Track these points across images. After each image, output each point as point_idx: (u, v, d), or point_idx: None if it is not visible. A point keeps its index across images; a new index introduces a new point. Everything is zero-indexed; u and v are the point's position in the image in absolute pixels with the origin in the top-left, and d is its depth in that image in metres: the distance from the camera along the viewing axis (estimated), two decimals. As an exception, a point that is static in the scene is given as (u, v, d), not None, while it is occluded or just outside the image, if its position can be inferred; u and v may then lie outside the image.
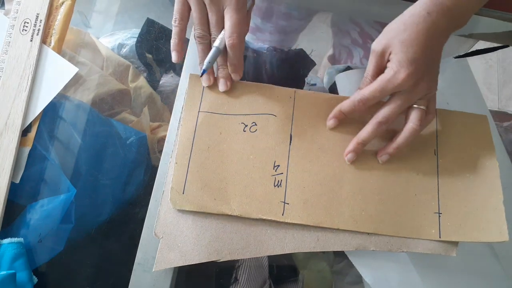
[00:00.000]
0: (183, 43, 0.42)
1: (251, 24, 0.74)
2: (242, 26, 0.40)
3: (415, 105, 0.40)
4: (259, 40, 0.78)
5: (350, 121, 0.43)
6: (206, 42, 0.42)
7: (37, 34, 0.46)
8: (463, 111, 0.45)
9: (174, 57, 0.42)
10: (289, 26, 0.74)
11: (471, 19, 0.39)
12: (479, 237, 0.39)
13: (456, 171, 0.42)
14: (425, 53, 0.37)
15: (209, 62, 0.41)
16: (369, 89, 0.39)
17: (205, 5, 0.40)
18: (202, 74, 0.42)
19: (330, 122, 0.42)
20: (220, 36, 0.41)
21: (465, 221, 0.40)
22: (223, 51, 0.41)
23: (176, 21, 0.41)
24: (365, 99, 0.39)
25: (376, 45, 0.39)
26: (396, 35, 0.38)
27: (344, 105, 0.41)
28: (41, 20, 0.46)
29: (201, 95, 0.43)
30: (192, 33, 0.47)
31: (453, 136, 0.44)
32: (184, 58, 0.46)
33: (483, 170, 0.42)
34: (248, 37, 0.78)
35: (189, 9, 0.41)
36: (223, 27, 0.40)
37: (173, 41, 0.42)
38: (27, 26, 0.45)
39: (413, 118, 0.40)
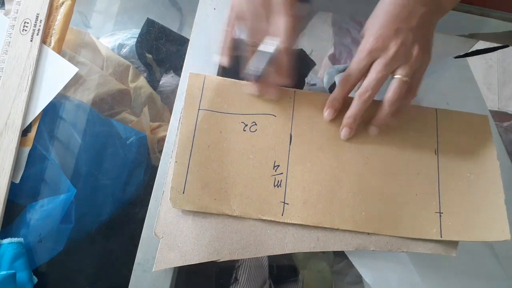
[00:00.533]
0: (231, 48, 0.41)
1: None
2: (295, 31, 0.39)
3: (396, 75, 0.39)
4: None
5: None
6: (255, 48, 0.40)
7: (37, 34, 0.46)
8: (463, 111, 0.45)
9: (224, 62, 0.41)
10: None
11: (472, 19, 0.40)
12: (481, 236, 0.39)
13: (456, 170, 0.42)
14: (393, 20, 0.38)
15: (264, 68, 0.39)
16: (348, 67, 0.40)
17: (256, 10, 0.39)
18: (258, 79, 0.41)
19: (326, 114, 0.42)
20: (274, 42, 0.39)
21: (466, 221, 0.40)
22: (274, 58, 0.40)
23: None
24: (346, 75, 0.40)
25: (360, 32, 0.41)
26: (369, 17, 0.40)
27: (334, 92, 0.42)
28: (41, 20, 0.46)
29: (200, 93, 0.43)
30: (193, 31, 0.47)
31: (454, 136, 0.44)
32: (185, 58, 0.46)
33: (484, 170, 0.42)
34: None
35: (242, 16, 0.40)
36: (274, 33, 0.39)
37: (224, 45, 0.41)
38: (27, 26, 0.45)
39: (391, 88, 0.39)
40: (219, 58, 0.41)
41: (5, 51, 0.45)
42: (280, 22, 0.38)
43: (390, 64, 0.38)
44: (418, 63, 0.39)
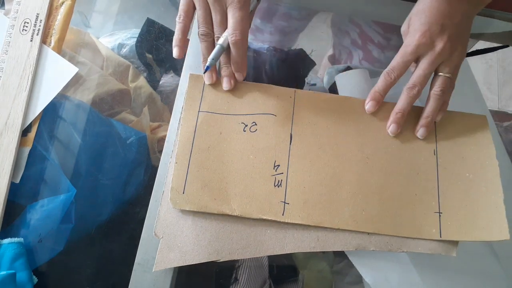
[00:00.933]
0: (186, 40, 0.42)
1: (251, 25, 0.74)
2: (245, 24, 0.40)
3: (440, 73, 0.41)
4: (259, 40, 0.78)
5: (349, 121, 0.44)
6: (210, 40, 0.42)
7: (37, 34, 0.46)
8: (463, 111, 0.45)
9: (175, 53, 0.42)
10: (288, 26, 0.74)
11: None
12: (480, 236, 0.39)
13: (456, 170, 0.42)
14: (439, 16, 0.39)
15: (213, 59, 0.41)
16: (393, 60, 0.41)
17: (208, 4, 0.40)
18: (205, 71, 0.42)
19: (368, 105, 0.43)
20: (224, 34, 0.41)
21: (465, 220, 0.40)
22: (226, 50, 0.41)
23: (181, 18, 0.41)
24: (390, 69, 0.41)
25: (402, 27, 0.42)
26: (413, 10, 0.41)
27: (377, 84, 0.42)
28: (41, 20, 0.46)
29: (201, 95, 0.43)
30: (191, 32, 0.47)
31: (453, 136, 0.44)
32: (184, 57, 0.46)
33: (483, 169, 0.42)
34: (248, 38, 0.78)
35: (194, 7, 0.42)
36: (226, 26, 0.41)
37: (176, 37, 0.42)
38: (27, 26, 0.45)
39: (436, 84, 0.41)
40: (173, 50, 0.42)
41: (5, 51, 0.45)
42: (231, 15, 0.39)
43: (436, 60, 0.40)
44: (460, 59, 0.41)
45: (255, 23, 0.73)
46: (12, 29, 0.46)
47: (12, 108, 0.43)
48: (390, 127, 0.42)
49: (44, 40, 0.46)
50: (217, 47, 0.41)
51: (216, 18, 0.41)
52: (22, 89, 0.44)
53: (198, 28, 0.42)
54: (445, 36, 0.39)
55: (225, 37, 0.41)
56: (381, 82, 0.42)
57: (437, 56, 0.39)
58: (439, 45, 0.39)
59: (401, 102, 0.42)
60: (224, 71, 0.43)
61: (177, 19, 0.42)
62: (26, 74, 0.44)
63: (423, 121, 0.42)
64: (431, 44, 0.39)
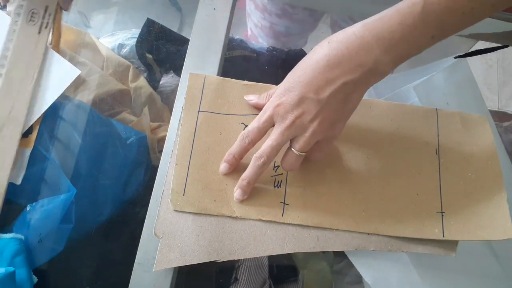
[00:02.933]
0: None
1: (263, 23, 0.74)
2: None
3: (292, 147, 0.37)
4: (266, 40, 0.78)
5: (349, 121, 0.43)
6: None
7: (46, 27, 0.43)
8: (463, 111, 0.45)
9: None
10: (296, 28, 0.74)
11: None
12: (484, 235, 0.39)
13: (458, 170, 0.42)
14: (308, 83, 0.34)
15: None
16: (253, 122, 0.38)
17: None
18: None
19: (221, 167, 0.40)
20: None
21: (468, 220, 0.40)
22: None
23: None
24: (246, 132, 0.38)
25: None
26: (294, 69, 0.36)
27: (232, 147, 0.39)
28: (50, 14, 0.44)
29: (201, 94, 0.43)
30: (192, 34, 0.47)
31: (454, 136, 0.44)
32: (184, 59, 0.46)
33: (485, 169, 0.42)
34: (260, 37, 0.79)
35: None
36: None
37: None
38: (34, 17, 0.43)
39: (284, 157, 0.37)
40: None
41: (10, 39, 0.43)
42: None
43: (284, 134, 0.35)
44: (319, 137, 0.36)
45: (260, 22, 0.73)
46: (19, 17, 0.43)
47: (15, 101, 0.41)
48: (235, 192, 0.39)
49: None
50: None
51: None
52: (28, 81, 0.42)
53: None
54: (299, 110, 0.34)
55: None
56: (236, 145, 0.39)
57: (287, 129, 0.35)
58: (292, 118, 0.35)
59: (248, 170, 0.38)
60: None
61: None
62: (33, 66, 0.43)
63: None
64: (283, 116, 0.35)
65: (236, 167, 0.40)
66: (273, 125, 0.37)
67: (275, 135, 0.36)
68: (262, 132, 0.37)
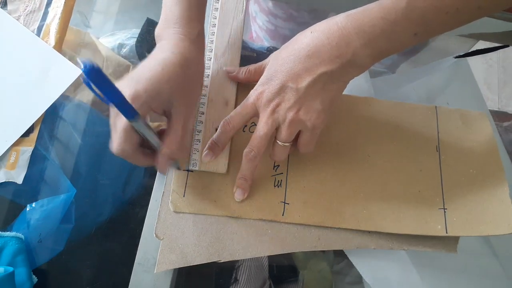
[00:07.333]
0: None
1: (268, 25, 0.74)
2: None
3: (276, 139, 0.37)
4: (269, 40, 0.78)
5: (349, 119, 0.43)
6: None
7: None
8: (463, 109, 0.45)
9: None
10: (301, 31, 0.74)
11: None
12: (487, 231, 0.39)
13: (459, 166, 0.42)
14: (288, 71, 0.34)
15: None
16: (234, 109, 0.38)
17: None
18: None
19: (204, 154, 0.39)
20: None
21: (471, 216, 0.40)
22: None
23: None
24: (229, 118, 0.37)
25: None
26: (277, 51, 0.37)
27: (214, 135, 0.38)
28: None
29: (201, 95, 0.43)
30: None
31: (454, 132, 0.44)
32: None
33: (486, 165, 0.42)
34: (265, 39, 0.79)
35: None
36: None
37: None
38: None
39: (272, 149, 0.37)
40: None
41: None
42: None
43: (268, 123, 0.35)
44: (298, 126, 0.35)
45: (265, 25, 0.73)
46: None
47: (232, 28, 0.45)
48: (235, 193, 0.39)
49: (44, 39, 0.46)
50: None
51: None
52: (239, 11, 0.46)
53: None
54: (280, 98, 0.34)
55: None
56: (217, 133, 0.38)
57: (271, 119, 0.35)
58: (274, 107, 0.35)
59: (241, 168, 0.38)
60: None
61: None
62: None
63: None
64: (265, 105, 0.35)
65: (236, 173, 0.40)
66: (256, 115, 0.37)
67: (260, 125, 0.36)
68: (245, 118, 0.37)
